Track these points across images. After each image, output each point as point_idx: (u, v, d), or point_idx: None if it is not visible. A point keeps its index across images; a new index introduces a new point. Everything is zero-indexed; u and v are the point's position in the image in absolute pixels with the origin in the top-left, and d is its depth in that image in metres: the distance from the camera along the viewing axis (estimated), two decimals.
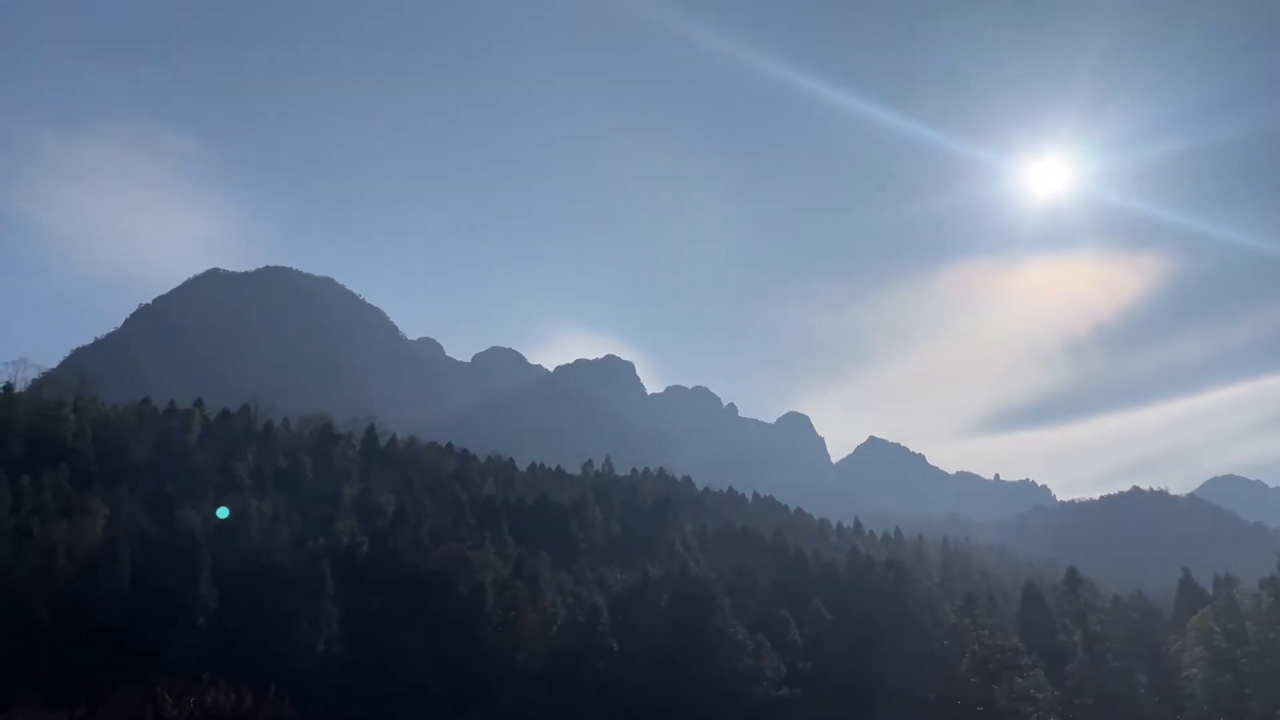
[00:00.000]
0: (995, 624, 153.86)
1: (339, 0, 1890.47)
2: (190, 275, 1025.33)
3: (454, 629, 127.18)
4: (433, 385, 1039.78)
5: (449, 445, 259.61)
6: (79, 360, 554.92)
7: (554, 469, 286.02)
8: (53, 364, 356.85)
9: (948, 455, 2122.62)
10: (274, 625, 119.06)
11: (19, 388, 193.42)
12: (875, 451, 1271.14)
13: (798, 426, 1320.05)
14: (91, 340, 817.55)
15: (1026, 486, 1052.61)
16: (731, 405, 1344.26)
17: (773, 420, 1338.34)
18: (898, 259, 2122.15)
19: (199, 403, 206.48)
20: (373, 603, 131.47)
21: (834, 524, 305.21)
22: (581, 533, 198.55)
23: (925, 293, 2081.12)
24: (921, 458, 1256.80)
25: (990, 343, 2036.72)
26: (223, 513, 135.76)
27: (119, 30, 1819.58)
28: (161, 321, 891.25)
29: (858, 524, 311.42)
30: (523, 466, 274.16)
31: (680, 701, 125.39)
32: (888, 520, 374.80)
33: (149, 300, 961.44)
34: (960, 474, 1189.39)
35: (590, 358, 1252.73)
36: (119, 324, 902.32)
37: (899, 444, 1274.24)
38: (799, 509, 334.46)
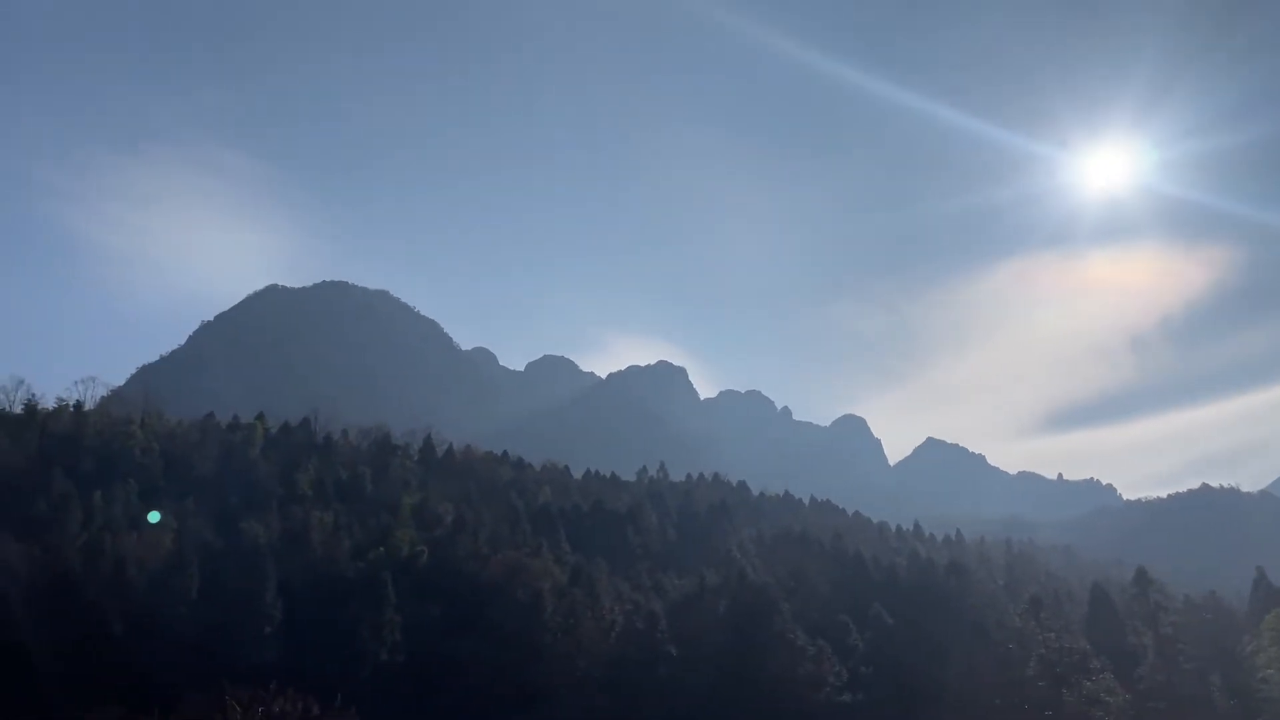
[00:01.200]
0: (1062, 626, 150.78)
1: (382, 14, 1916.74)
2: (250, 292, 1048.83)
3: (514, 636, 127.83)
4: (487, 394, 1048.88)
5: (504, 454, 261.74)
6: (145, 377, 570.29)
7: (608, 475, 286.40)
8: (120, 381, 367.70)
9: (1008, 455, 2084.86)
10: (338, 634, 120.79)
11: (89, 405, 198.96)
12: (933, 453, 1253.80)
13: (854, 429, 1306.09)
14: (157, 358, 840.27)
15: (1091, 486, 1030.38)
16: (785, 408, 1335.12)
17: (828, 423, 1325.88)
18: (952, 255, 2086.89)
19: (261, 417, 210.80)
20: (433, 611, 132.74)
21: (893, 527, 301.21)
22: (637, 539, 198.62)
23: (982, 289, 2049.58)
24: (981, 458, 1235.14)
25: (1051, 339, 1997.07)
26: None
27: (178, 56, 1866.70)
28: (224, 338, 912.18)
29: (917, 526, 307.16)
30: (577, 474, 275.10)
31: (741, 707, 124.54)
32: (948, 522, 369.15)
33: (211, 317, 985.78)
34: (1022, 474, 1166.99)
35: (642, 364, 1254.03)
36: (183, 341, 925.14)
37: (958, 445, 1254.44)
38: (857, 512, 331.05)
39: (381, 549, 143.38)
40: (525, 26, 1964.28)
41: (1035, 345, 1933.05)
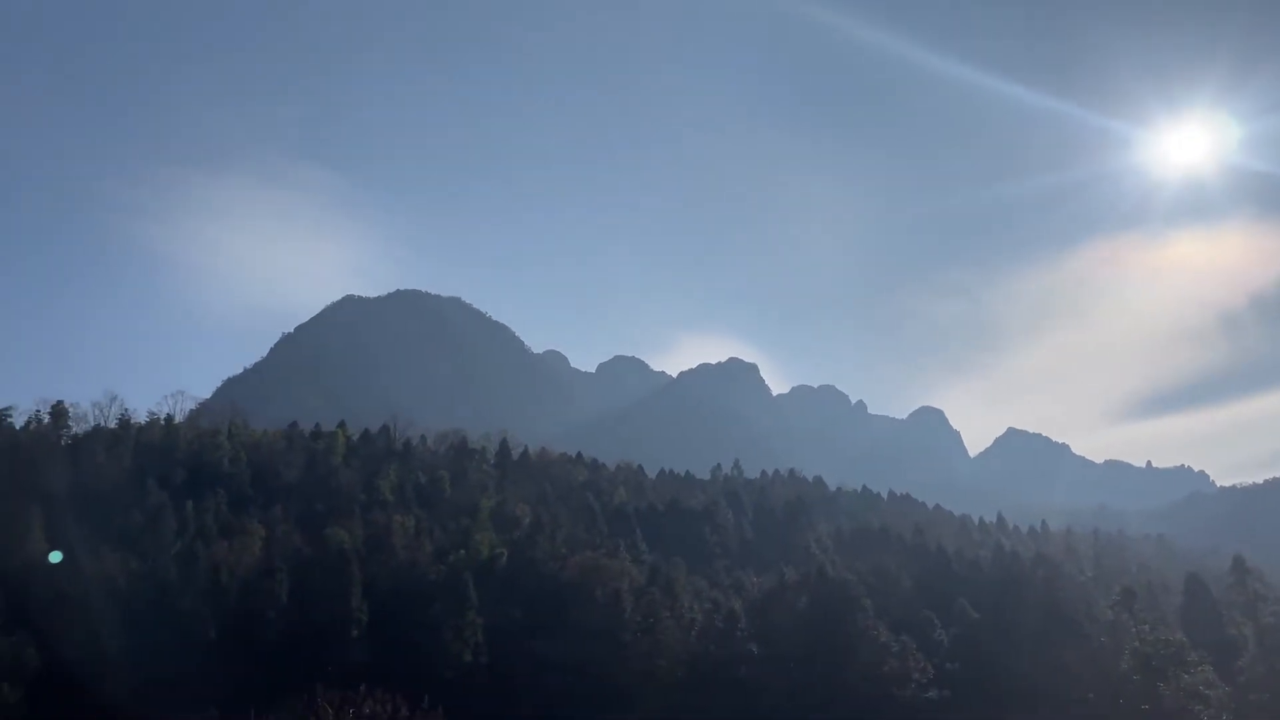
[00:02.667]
0: (1156, 618, 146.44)
1: (446, 26, 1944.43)
2: (328, 303, 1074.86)
3: (594, 636, 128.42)
4: (559, 397, 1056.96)
5: (579, 455, 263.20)
6: (230, 389, 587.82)
7: (683, 474, 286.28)
8: (207, 394, 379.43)
9: (1094, 444, 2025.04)
10: (422, 636, 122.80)
11: (178, 418, 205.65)
12: (1015, 443, 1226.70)
13: (931, 421, 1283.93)
14: (241, 370, 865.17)
15: (1182, 473, 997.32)
16: (860, 403, 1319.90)
17: (904, 416, 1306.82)
18: (1029, 239, 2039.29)
19: (342, 425, 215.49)
20: (514, 612, 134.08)
21: (975, 520, 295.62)
22: (714, 537, 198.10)
23: (1061, 274, 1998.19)
24: (1065, 447, 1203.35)
25: (1136, 322, 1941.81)
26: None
27: (252, 74, 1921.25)
28: (304, 348, 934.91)
29: (1001, 519, 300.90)
30: (651, 473, 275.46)
31: (825, 705, 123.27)
32: (1032, 514, 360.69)
33: (291, 329, 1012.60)
34: (1109, 463, 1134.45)
35: (713, 362, 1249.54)
36: (265, 353, 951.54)
37: (1040, 434, 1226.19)
38: (937, 506, 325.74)
39: (462, 551, 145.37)
40: (588, 30, 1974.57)
41: (1119, 329, 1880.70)
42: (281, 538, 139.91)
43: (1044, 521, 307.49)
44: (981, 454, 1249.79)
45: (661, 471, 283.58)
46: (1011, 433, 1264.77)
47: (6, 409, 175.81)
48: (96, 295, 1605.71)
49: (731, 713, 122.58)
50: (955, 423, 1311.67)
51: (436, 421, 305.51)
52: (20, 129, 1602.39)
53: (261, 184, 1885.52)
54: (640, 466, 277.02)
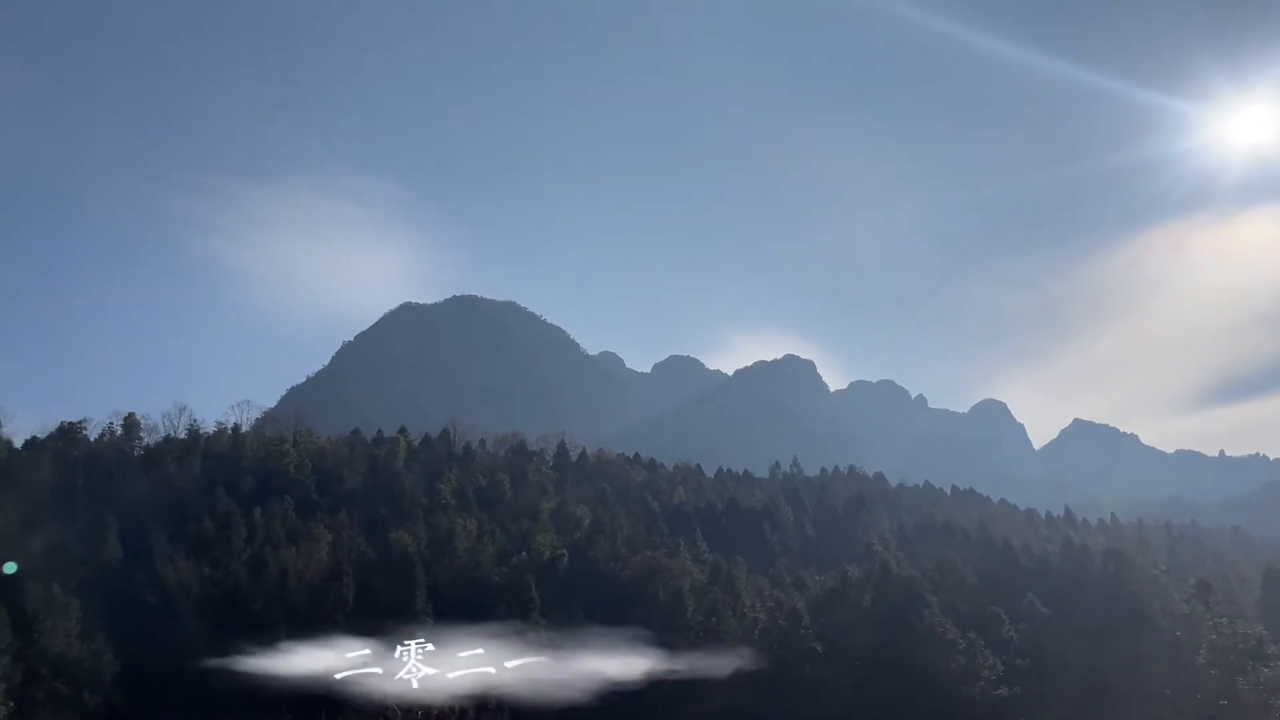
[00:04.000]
0: (1234, 611, 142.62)
1: (493, 31, 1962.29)
2: (386, 310, 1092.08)
3: (657, 636, 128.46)
4: (615, 398, 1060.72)
5: (636, 455, 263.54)
6: (295, 398, 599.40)
7: (741, 473, 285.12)
8: (271, 403, 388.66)
9: (1164, 433, 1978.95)
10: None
11: (245, 427, 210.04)
12: (1082, 434, 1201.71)
13: (994, 414, 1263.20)
14: (304, 378, 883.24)
15: (1258, 461, 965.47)
16: (920, 396, 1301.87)
17: (966, 409, 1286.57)
18: (1092, 226, 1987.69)
19: (403, 430, 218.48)
20: (577, 613, 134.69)
21: (1042, 514, 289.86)
22: (774, 535, 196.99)
23: (1126, 259, 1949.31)
24: (1134, 438, 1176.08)
25: (1206, 307, 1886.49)
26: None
27: (309, 87, 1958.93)
28: (364, 356, 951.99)
29: (1069, 512, 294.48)
30: (709, 472, 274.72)
31: (892, 703, 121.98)
32: (1101, 506, 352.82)
33: (351, 337, 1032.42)
34: (1180, 452, 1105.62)
35: (769, 359, 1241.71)
36: (327, 361, 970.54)
37: (1107, 425, 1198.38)
38: (1002, 500, 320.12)
39: (524, 553, 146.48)
40: (632, 24, 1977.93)
41: (1188, 314, 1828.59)
42: (347, 542, 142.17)
43: (1113, 514, 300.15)
44: (1047, 446, 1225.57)
45: (719, 470, 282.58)
46: (1077, 424, 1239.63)
47: (81, 421, 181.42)
48: (165, 309, 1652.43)
49: (798, 711, 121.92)
50: (1019, 415, 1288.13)
51: (495, 425, 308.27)
52: (88, 150, 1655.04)
53: (320, 195, 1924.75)
54: (698, 466, 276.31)
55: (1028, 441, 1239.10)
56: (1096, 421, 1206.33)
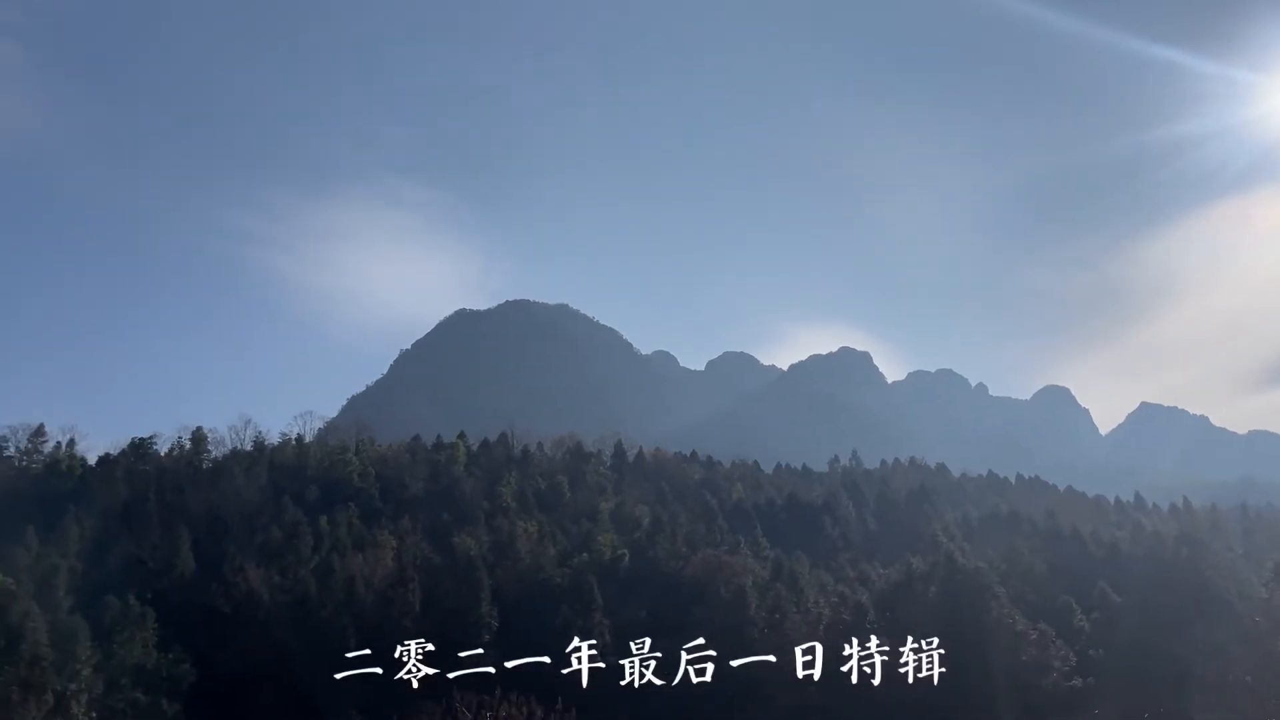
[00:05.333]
0: None
1: (538, 29, 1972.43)
2: (441, 318, 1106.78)
3: (721, 634, 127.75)
4: (671, 396, 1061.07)
5: (693, 453, 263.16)
6: (356, 407, 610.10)
7: (800, 468, 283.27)
8: (333, 413, 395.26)
9: (1236, 414, 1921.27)
10: (551, 639, 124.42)
11: (308, 437, 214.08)
12: (1149, 418, 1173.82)
13: (1058, 400, 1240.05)
14: (364, 387, 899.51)
15: None
16: (981, 385, 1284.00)
17: (1028, 396, 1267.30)
18: (1152, 203, 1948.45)
19: (462, 435, 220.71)
20: (639, 613, 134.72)
21: (1111, 500, 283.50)
22: (836, 530, 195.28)
23: (1188, 236, 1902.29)
24: (1204, 419, 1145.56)
25: (1273, 282, 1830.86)
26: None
27: (357, 98, 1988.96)
28: (421, 363, 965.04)
29: (1139, 497, 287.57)
30: (767, 468, 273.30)
31: (963, 697, 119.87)
32: (1172, 491, 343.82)
33: (409, 345, 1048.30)
34: (1253, 433, 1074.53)
35: (824, 352, 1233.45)
36: (385, 370, 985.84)
37: (1176, 407, 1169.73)
38: (1069, 487, 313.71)
39: (585, 554, 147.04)
40: (673, 20, 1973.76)
41: (1257, 291, 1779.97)
42: (411, 548, 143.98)
43: (1185, 498, 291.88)
44: (1113, 431, 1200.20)
45: (778, 466, 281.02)
46: (1145, 407, 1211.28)
47: (151, 437, 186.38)
48: (228, 324, 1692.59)
49: (868, 708, 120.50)
50: (1083, 400, 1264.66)
51: (551, 427, 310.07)
52: (148, 171, 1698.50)
53: (373, 205, 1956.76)
54: (756, 462, 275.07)
55: (1093, 427, 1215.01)
56: (1164, 404, 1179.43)
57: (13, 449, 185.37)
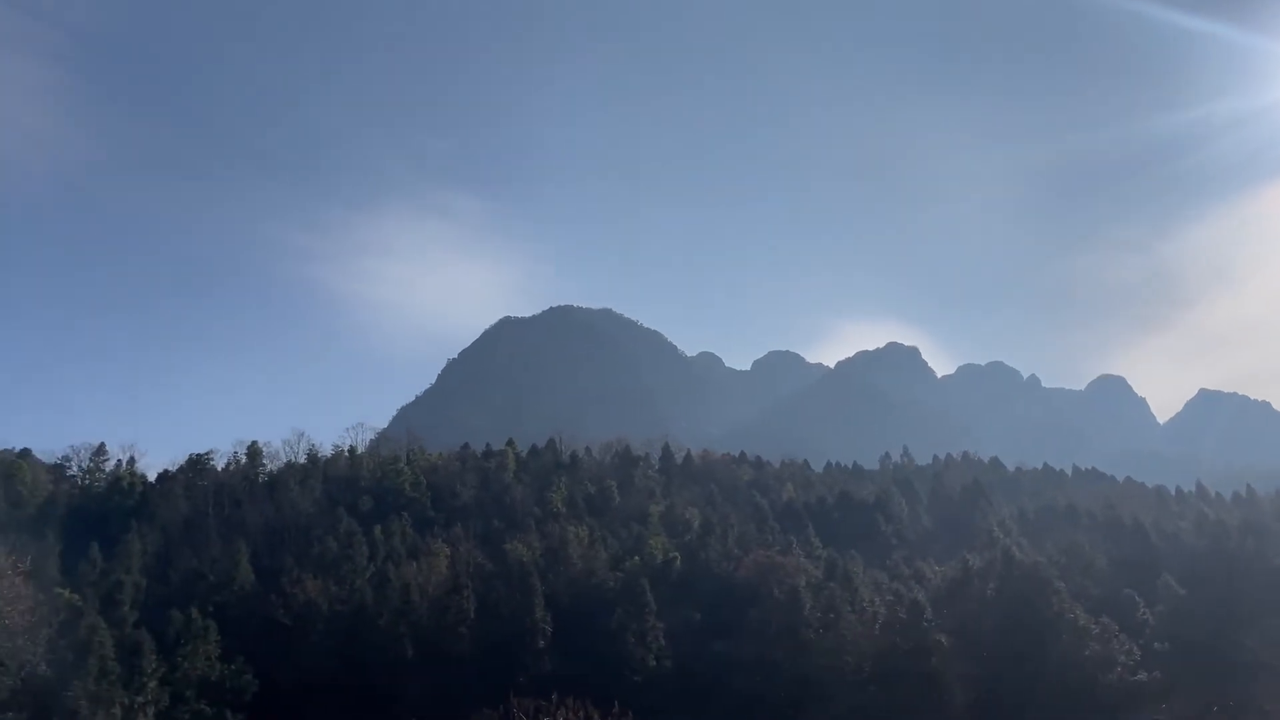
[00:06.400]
0: None
1: (578, 37, 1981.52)
2: (487, 326, 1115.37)
3: (776, 636, 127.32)
4: (716, 397, 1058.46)
5: (741, 454, 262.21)
6: (406, 416, 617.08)
7: (850, 466, 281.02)
8: (384, 423, 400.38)
9: None
10: (605, 643, 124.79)
11: (360, 449, 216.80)
12: (1209, 405, 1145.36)
13: (1113, 389, 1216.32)
14: (413, 397, 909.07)
15: None
16: (1033, 377, 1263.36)
17: (1083, 386, 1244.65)
18: (1202, 183, 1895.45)
19: (510, 442, 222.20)
20: (693, 615, 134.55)
21: (1172, 490, 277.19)
22: (889, 527, 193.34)
23: (1245, 217, 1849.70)
24: (1267, 405, 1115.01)
25: None
26: None
27: (399, 110, 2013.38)
28: (469, 371, 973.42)
29: (1200, 487, 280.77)
30: (817, 467, 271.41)
31: (1025, 694, 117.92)
32: (1235, 479, 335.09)
33: (455, 354, 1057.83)
34: None
35: (871, 348, 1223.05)
36: (434, 380, 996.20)
37: (1236, 393, 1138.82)
38: (1128, 478, 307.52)
39: (636, 558, 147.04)
40: (711, 19, 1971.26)
41: None
42: (464, 555, 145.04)
43: (1249, 486, 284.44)
44: (1172, 419, 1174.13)
45: (828, 464, 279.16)
46: (1204, 394, 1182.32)
47: (208, 453, 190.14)
48: (280, 339, 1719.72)
49: (925, 705, 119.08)
50: (1140, 389, 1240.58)
51: (598, 432, 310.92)
52: (196, 190, 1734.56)
53: (418, 217, 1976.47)
54: (805, 461, 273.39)
55: (1151, 416, 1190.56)
56: (1224, 390, 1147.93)
57: (76, 469, 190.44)
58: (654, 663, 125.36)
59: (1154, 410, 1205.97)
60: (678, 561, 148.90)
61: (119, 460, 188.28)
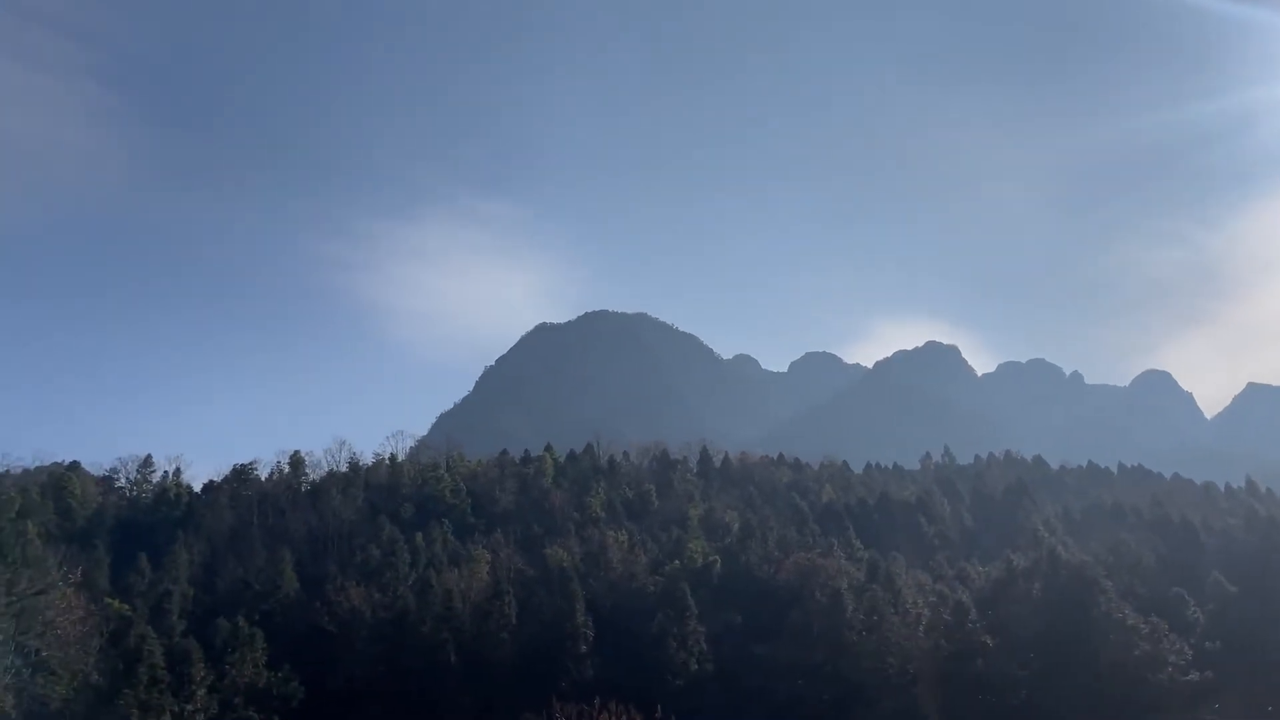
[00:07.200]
0: None
1: (606, 44, 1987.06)
2: (523, 332, 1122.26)
3: (819, 639, 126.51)
4: (754, 399, 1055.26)
5: (780, 456, 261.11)
6: (445, 424, 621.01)
7: (890, 467, 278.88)
8: (423, 431, 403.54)
9: None
10: (647, 647, 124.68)
11: (401, 457, 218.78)
12: (1257, 399, 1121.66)
13: (1158, 385, 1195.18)
14: (452, 405, 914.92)
15: None
16: (1076, 373, 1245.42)
17: (1126, 382, 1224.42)
18: (1249, 173, 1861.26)
19: (548, 448, 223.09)
20: (734, 619, 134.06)
21: (1221, 486, 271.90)
22: (931, 528, 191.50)
23: None
24: None
25: None
26: None
27: (432, 119, 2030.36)
28: (506, 378, 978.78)
29: (1250, 482, 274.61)
30: (857, 468, 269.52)
31: (1074, 695, 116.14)
32: None
33: (492, 361, 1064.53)
34: None
35: (909, 347, 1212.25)
36: (471, 387, 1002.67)
37: None
38: (1175, 475, 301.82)
39: (676, 562, 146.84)
40: (742, 18, 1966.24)
41: None
42: (505, 561, 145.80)
43: None
44: (1219, 415, 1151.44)
45: (868, 465, 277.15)
46: (1252, 388, 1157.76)
47: (252, 463, 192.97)
48: (319, 349, 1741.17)
49: (971, 707, 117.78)
50: (1185, 383, 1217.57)
51: (636, 435, 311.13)
52: (235, 203, 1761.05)
53: (453, 223, 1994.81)
54: (845, 463, 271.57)
55: (1198, 411, 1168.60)
56: (1273, 384, 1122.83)
57: (124, 480, 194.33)
58: (695, 666, 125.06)
59: (1200, 405, 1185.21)
60: (718, 565, 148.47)
61: (165, 472, 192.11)
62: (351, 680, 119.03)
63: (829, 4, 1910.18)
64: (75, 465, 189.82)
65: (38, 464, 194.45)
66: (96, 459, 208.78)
